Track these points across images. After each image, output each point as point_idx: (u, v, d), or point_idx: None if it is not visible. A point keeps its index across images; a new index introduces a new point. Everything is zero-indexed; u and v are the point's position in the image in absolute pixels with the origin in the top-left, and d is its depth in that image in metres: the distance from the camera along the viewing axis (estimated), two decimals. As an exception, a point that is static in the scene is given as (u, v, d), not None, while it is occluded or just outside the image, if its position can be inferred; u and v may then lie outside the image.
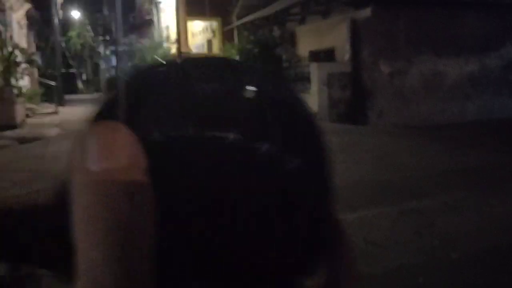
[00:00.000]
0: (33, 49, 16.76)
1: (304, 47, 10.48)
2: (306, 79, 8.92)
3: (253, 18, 11.40)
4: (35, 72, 15.27)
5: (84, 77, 35.00)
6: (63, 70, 21.28)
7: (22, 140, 6.97)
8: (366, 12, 8.24)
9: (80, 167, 0.16)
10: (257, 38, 11.16)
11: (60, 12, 20.63)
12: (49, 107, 13.42)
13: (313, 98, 8.49)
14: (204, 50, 19.80)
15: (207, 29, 19.71)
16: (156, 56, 19.43)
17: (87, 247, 0.15)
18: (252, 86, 0.22)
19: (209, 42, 19.72)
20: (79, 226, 0.16)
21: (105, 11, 32.81)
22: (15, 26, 12.72)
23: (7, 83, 9.02)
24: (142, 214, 0.16)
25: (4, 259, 0.23)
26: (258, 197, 0.19)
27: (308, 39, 10.39)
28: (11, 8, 12.02)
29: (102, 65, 33.41)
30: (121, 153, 0.16)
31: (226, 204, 0.19)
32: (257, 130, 0.20)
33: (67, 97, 19.46)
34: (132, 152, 0.16)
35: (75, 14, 30.74)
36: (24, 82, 11.93)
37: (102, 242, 0.15)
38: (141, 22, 26.18)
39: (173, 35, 18.24)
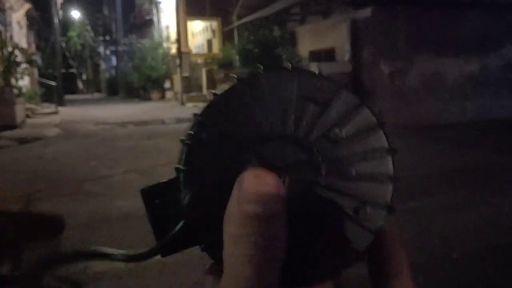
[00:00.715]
0: (33, 49, 16.76)
1: (304, 47, 10.49)
2: (306, 79, 8.93)
3: (253, 18, 11.39)
4: (35, 72, 15.27)
5: (84, 77, 35.03)
6: (63, 70, 21.30)
7: (22, 140, 6.98)
8: (366, 12, 8.25)
9: (236, 205, 0.22)
10: (257, 38, 11.17)
11: (60, 12, 20.63)
12: (49, 107, 13.43)
13: (313, 98, 8.49)
14: (204, 50, 19.81)
15: (207, 29, 19.71)
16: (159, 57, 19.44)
17: (235, 253, 0.22)
18: None
19: (209, 42, 19.72)
20: (228, 239, 0.22)
21: (105, 11, 32.81)
22: (15, 26, 12.72)
23: (7, 83, 9.02)
24: (276, 239, 0.22)
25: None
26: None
27: (308, 39, 10.40)
28: (11, 8, 12.02)
29: (102, 65, 33.39)
30: (269, 199, 0.22)
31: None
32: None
33: (67, 97, 19.49)
34: (277, 198, 0.22)
35: (75, 14, 30.76)
36: (24, 82, 11.94)
37: (248, 255, 0.22)
38: (141, 22, 26.17)
39: (173, 35, 18.24)
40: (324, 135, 0.25)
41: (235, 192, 0.23)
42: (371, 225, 0.25)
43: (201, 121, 0.27)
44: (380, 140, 0.26)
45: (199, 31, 20.50)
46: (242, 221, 0.22)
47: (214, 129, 0.26)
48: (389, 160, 0.26)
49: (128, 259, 0.28)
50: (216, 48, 18.08)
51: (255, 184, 0.22)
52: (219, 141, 0.26)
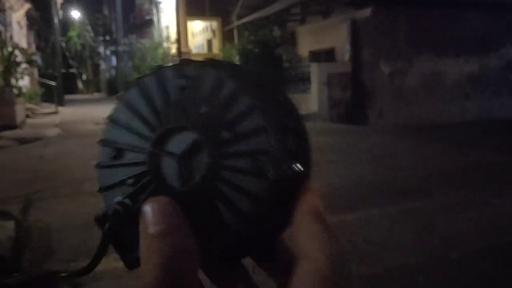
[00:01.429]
0: (33, 49, 16.75)
1: (304, 47, 10.48)
2: (306, 79, 8.93)
3: (253, 18, 11.39)
4: (35, 72, 15.27)
5: (84, 77, 35.00)
6: (63, 70, 21.28)
7: (22, 140, 6.97)
8: (366, 12, 8.24)
9: (144, 229, 0.25)
10: (257, 38, 11.16)
11: (60, 12, 20.62)
12: (49, 107, 13.43)
13: (313, 98, 8.49)
14: (204, 50, 19.80)
15: (207, 29, 19.70)
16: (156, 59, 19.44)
17: (148, 267, 0.24)
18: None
19: (209, 42, 19.71)
20: (143, 256, 0.25)
21: (105, 11, 32.79)
22: (15, 26, 12.72)
23: (7, 83, 9.01)
24: (180, 252, 0.24)
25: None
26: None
27: (308, 39, 10.39)
28: (11, 8, 12.02)
29: (102, 65, 33.37)
30: (168, 219, 0.25)
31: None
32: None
33: (67, 97, 19.48)
34: (171, 217, 0.25)
35: (75, 14, 30.74)
36: (24, 82, 11.93)
37: (158, 267, 0.24)
38: (141, 22, 26.17)
39: (173, 35, 18.23)
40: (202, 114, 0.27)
41: (140, 220, 0.25)
42: (270, 173, 0.26)
43: (108, 125, 0.30)
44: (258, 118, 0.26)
45: (199, 31, 20.48)
46: (146, 243, 0.25)
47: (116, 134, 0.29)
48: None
49: (69, 277, 0.31)
50: (216, 48, 18.06)
51: (152, 209, 0.25)
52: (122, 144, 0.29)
